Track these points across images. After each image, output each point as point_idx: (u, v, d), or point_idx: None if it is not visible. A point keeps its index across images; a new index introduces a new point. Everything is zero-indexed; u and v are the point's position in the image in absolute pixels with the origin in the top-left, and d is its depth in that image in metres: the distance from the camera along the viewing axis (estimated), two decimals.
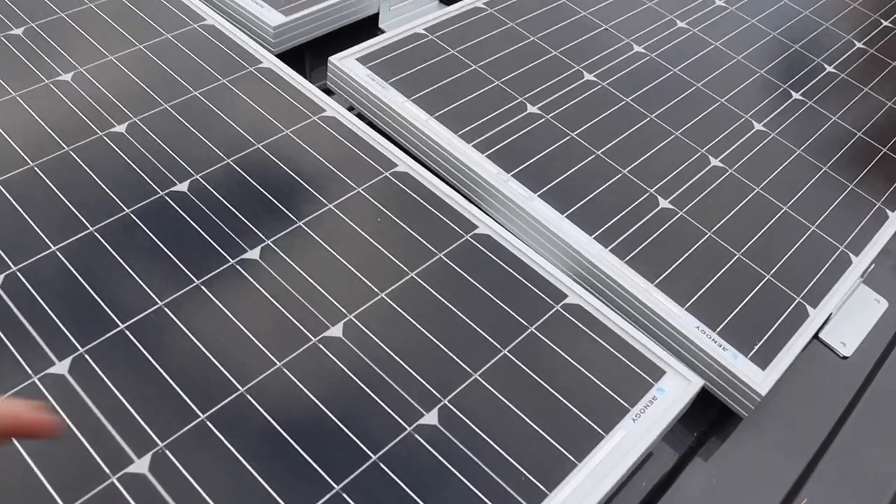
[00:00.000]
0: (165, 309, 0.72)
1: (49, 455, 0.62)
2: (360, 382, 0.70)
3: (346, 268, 0.79)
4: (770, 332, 0.83)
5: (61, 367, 0.68)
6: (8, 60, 0.93)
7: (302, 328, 0.73)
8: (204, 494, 0.62)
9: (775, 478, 0.79)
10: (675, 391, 0.76)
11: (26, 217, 0.77)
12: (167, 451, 0.64)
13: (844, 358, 0.91)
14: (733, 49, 1.17)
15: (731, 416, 0.84)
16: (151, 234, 0.78)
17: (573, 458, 0.69)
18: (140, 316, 0.72)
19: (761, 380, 0.79)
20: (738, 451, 0.81)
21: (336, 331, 0.73)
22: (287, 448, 0.65)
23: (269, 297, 0.75)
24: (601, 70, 1.09)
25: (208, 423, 0.66)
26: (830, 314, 0.87)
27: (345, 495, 0.63)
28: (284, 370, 0.70)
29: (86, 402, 0.66)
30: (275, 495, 0.62)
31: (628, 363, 0.77)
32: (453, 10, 1.14)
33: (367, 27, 1.20)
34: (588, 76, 1.08)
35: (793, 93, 1.12)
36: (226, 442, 0.64)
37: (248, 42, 1.02)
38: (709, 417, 0.84)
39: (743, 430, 0.83)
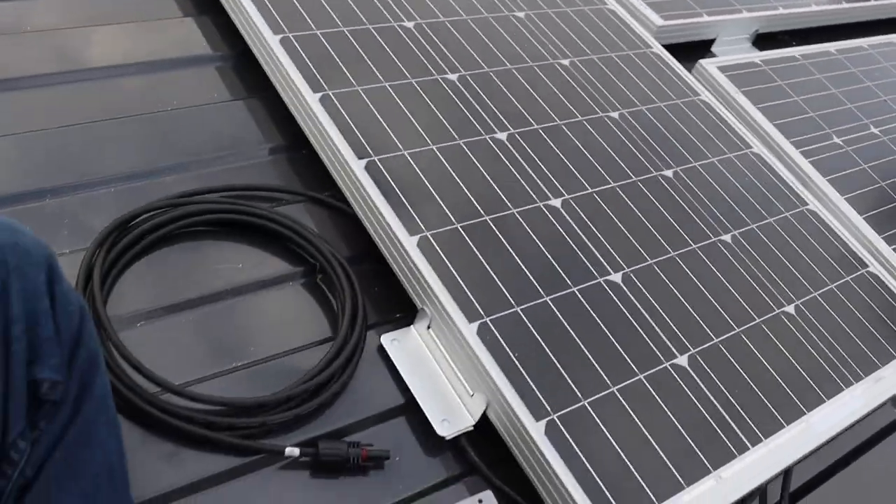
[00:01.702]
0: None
1: None
2: None
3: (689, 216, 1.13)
4: None
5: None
6: None
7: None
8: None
9: None
10: None
11: None
12: None
13: None
14: None
15: None
16: None
17: (878, 362, 1.03)
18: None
19: None
20: None
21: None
22: None
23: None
24: (884, 127, 1.44)
25: None
26: None
27: None
28: None
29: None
30: None
31: None
32: (778, 53, 1.49)
33: (703, 46, 1.56)
34: (873, 129, 1.43)
35: None
36: None
37: (642, 30, 1.38)
38: None
39: None
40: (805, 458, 0.92)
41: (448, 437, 0.84)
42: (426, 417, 0.85)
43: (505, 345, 0.84)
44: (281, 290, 0.92)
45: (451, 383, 0.86)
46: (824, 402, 0.94)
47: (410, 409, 0.86)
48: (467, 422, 0.84)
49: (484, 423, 0.84)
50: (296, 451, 0.80)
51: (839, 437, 0.97)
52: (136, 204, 0.90)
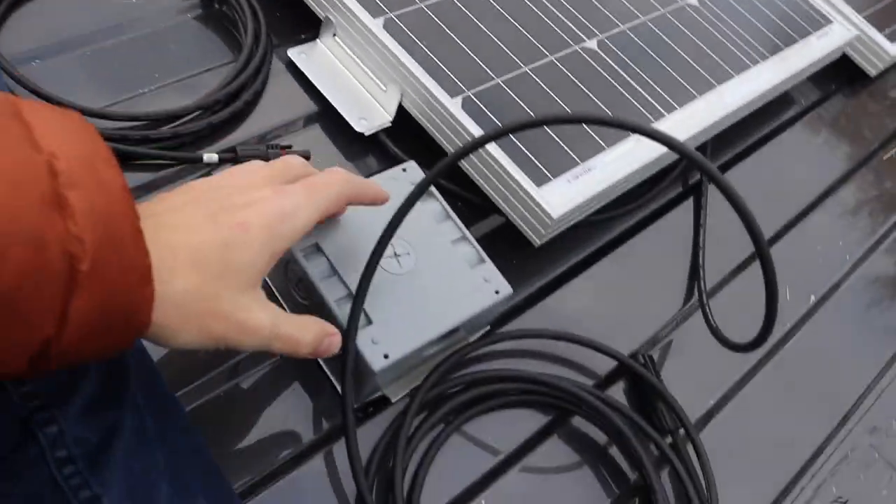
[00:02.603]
0: None
1: None
2: None
3: None
4: None
5: None
6: None
7: None
8: None
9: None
10: (839, 32, 1.12)
11: None
12: None
13: None
14: None
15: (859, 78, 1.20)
16: None
17: (782, 45, 1.04)
18: None
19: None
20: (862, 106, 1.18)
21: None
22: None
23: None
24: None
25: None
26: None
27: None
28: None
29: None
30: None
31: (807, 9, 1.12)
32: None
33: None
34: None
35: None
36: None
37: None
38: (839, 80, 1.21)
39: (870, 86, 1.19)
40: (718, 133, 0.94)
41: (367, 133, 0.83)
42: (342, 120, 0.84)
43: (413, 35, 0.83)
44: (179, 21, 0.89)
45: (364, 84, 0.85)
46: (733, 76, 0.96)
47: (326, 115, 0.86)
48: (384, 117, 0.84)
49: (399, 120, 0.84)
50: (214, 157, 0.78)
51: (748, 124, 1.00)
52: None
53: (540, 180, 0.77)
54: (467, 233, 0.73)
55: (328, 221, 0.68)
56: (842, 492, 0.81)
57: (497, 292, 0.70)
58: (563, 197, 0.76)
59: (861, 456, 0.84)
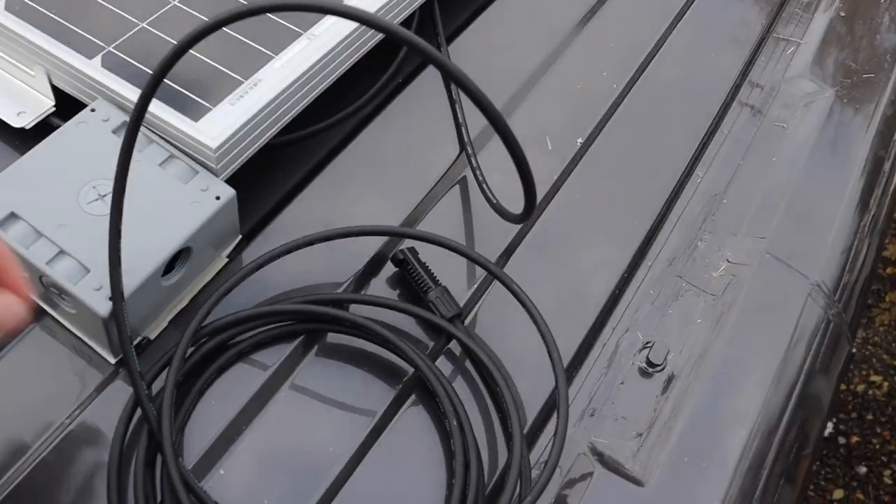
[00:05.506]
0: None
1: None
2: None
3: None
4: None
5: None
6: None
7: None
8: None
9: None
10: None
11: None
12: None
13: None
14: None
15: None
16: None
17: None
18: None
19: None
20: None
21: None
22: None
23: None
24: None
25: None
26: None
27: None
28: None
29: None
30: None
31: None
32: None
33: None
34: None
35: None
36: None
37: None
38: None
39: None
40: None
41: (29, 126, 0.77)
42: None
43: (40, 7, 0.76)
44: None
45: (13, 74, 0.79)
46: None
47: None
48: (45, 103, 0.78)
49: (70, 98, 0.77)
50: None
51: None
52: None
53: (198, 114, 0.70)
54: (175, 151, 0.69)
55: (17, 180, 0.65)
56: (649, 334, 0.75)
57: (218, 198, 0.67)
58: (224, 122, 0.70)
59: (668, 290, 0.78)
